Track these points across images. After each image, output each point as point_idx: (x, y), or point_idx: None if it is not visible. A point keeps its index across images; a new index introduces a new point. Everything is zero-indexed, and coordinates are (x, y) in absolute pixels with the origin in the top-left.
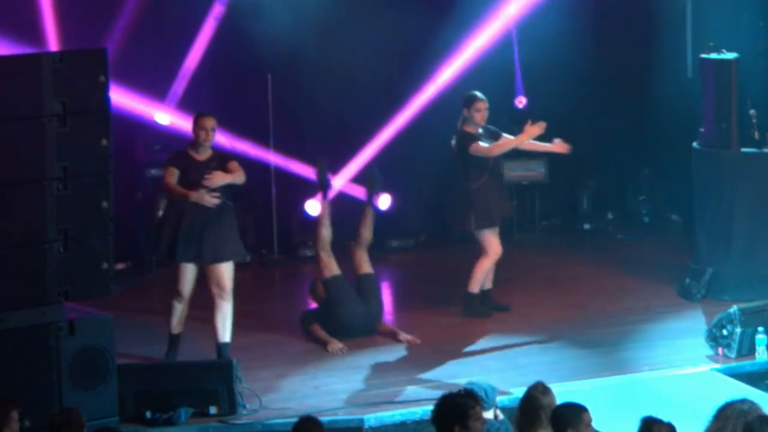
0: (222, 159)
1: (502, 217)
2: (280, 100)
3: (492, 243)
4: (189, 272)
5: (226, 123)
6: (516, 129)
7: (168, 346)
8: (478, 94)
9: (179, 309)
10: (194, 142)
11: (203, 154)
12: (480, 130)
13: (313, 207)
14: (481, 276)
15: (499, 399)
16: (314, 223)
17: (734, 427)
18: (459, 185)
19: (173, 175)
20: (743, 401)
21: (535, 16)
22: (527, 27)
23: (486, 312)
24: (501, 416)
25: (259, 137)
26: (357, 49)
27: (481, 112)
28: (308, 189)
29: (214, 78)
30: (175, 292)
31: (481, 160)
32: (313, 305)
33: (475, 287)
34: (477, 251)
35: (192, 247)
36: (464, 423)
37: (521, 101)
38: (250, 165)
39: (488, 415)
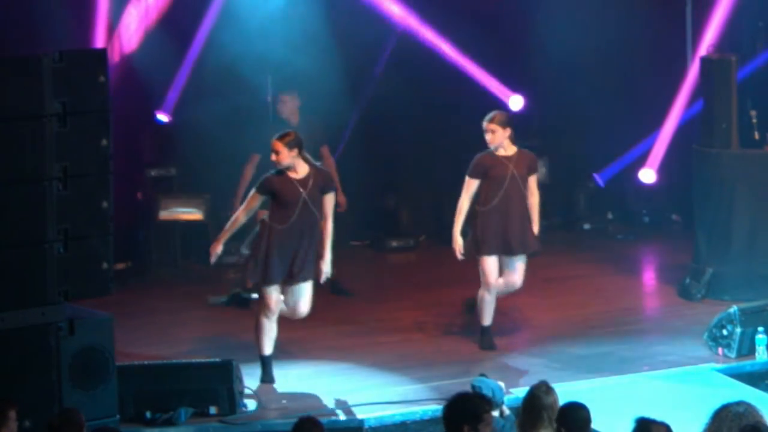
0: (318, 175)
1: (509, 251)
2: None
3: (484, 272)
4: (276, 293)
5: (226, 122)
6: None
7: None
8: (494, 114)
9: (271, 327)
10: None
11: (300, 172)
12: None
13: None
14: (482, 307)
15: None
16: None
17: (729, 429)
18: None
19: (257, 199)
20: (739, 403)
21: (533, 16)
22: (526, 27)
23: (489, 346)
24: (507, 411)
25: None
26: (358, 48)
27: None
28: None
29: (214, 78)
30: (265, 310)
31: (491, 185)
32: None
33: (481, 319)
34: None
35: (283, 267)
36: (475, 425)
37: (518, 102)
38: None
39: (494, 413)
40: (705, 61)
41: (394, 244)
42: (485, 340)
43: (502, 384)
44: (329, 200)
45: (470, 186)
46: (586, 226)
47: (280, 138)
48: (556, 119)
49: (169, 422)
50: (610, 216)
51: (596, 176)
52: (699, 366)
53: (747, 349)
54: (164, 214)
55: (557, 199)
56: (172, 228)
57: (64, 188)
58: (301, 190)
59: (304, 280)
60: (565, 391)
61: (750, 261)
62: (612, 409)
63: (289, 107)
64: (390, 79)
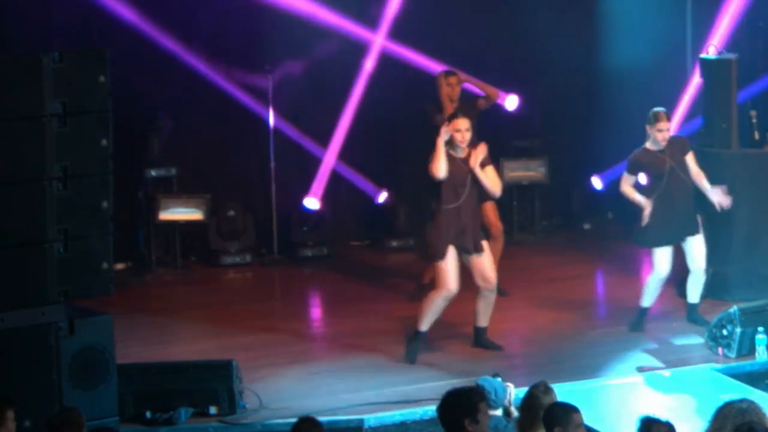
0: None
1: (677, 237)
2: (281, 98)
3: (657, 260)
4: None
5: (226, 123)
6: (503, 133)
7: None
8: (662, 110)
9: (441, 307)
10: (451, 143)
11: (461, 153)
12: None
13: (311, 203)
14: (647, 290)
15: None
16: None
17: (732, 426)
18: None
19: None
20: (743, 401)
21: (531, 14)
22: (526, 24)
23: (638, 328)
24: (515, 413)
25: (259, 136)
26: (359, 45)
27: (662, 132)
28: (308, 188)
29: (214, 78)
30: (441, 289)
31: (651, 178)
32: None
33: (642, 301)
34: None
35: (459, 242)
36: (474, 417)
37: (514, 101)
38: (249, 164)
39: (497, 412)
40: (705, 61)
41: (394, 244)
42: (639, 321)
43: (510, 385)
44: (491, 171)
45: (627, 180)
46: (586, 226)
47: (467, 117)
48: (555, 119)
49: (169, 422)
50: (610, 216)
51: (596, 178)
52: (699, 366)
53: (747, 349)
54: (164, 214)
55: (557, 200)
56: (172, 228)
57: (64, 188)
58: (466, 168)
59: (480, 251)
60: (565, 392)
61: (750, 261)
62: (612, 409)
63: (456, 91)
64: (388, 80)
